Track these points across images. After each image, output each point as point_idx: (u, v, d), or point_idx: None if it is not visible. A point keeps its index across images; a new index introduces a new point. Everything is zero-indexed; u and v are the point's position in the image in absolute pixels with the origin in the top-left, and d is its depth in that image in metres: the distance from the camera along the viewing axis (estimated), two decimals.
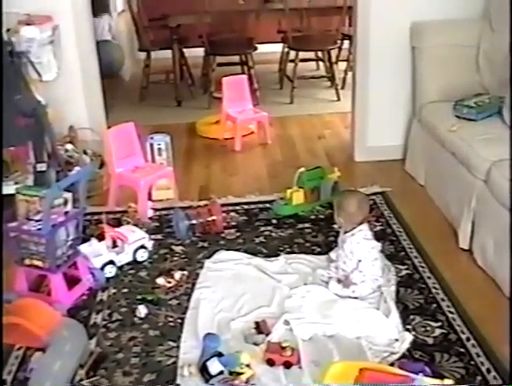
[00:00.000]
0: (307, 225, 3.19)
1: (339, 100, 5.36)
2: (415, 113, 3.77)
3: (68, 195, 2.54)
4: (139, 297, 2.60)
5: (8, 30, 3.28)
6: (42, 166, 3.29)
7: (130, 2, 5.62)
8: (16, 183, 3.29)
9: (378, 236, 2.76)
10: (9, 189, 3.13)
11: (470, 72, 3.64)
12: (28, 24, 3.38)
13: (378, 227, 3.11)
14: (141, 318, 2.47)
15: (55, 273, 2.49)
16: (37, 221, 2.47)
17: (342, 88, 5.57)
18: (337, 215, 2.63)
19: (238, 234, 3.12)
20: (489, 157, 2.78)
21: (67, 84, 3.72)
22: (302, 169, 3.33)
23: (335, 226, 3.07)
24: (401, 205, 3.37)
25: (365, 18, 3.77)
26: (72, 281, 2.60)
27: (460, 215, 2.96)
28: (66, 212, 2.54)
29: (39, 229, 2.43)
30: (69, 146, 3.65)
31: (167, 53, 5.47)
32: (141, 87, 5.69)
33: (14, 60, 3.22)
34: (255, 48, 5.42)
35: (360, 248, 2.55)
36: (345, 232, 2.62)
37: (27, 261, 2.51)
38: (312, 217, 3.27)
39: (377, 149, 3.98)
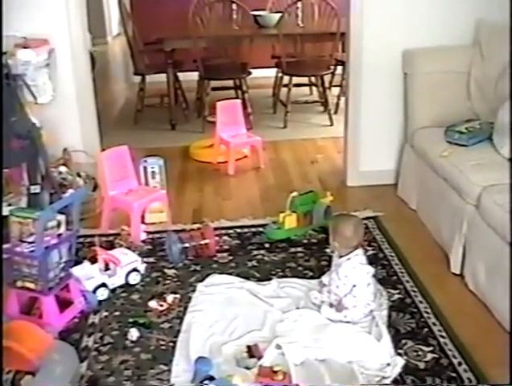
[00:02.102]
0: (299, 249, 3.19)
1: (332, 124, 5.40)
2: (407, 139, 3.80)
3: (62, 218, 2.55)
4: (131, 320, 2.59)
5: (5, 53, 3.30)
6: (36, 188, 3.30)
7: (125, 26, 5.66)
8: (9, 205, 3.29)
9: (371, 261, 2.77)
10: (2, 210, 3.13)
11: (461, 98, 3.68)
12: (25, 47, 3.41)
13: (371, 252, 3.12)
14: (133, 342, 2.46)
15: (47, 296, 2.48)
16: (30, 243, 2.47)
17: (335, 112, 5.61)
18: (333, 239, 2.62)
19: (231, 258, 3.12)
20: (480, 182, 2.80)
21: (62, 106, 3.74)
22: (295, 193, 3.34)
23: (327, 250, 3.09)
24: (393, 230, 3.39)
25: (357, 44, 3.82)
26: (63, 304, 2.58)
27: (451, 239, 2.98)
28: (59, 234, 2.55)
29: (32, 251, 2.43)
30: (63, 169, 3.66)
31: (162, 77, 5.50)
32: (135, 110, 5.72)
33: (10, 83, 3.23)
34: (249, 73, 5.47)
35: (355, 272, 2.55)
36: (341, 257, 2.62)
37: (19, 283, 2.50)
38: (305, 241, 3.28)
39: (369, 173, 4.00)
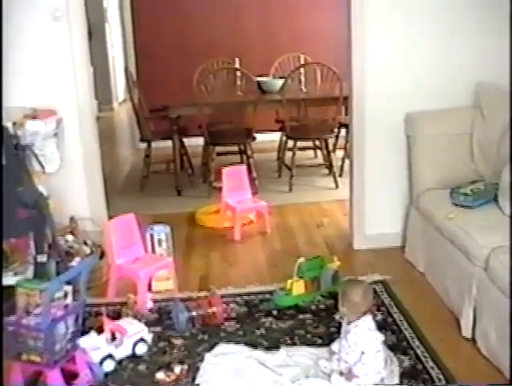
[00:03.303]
0: (308, 316, 3.15)
1: (337, 187, 5.43)
2: (413, 201, 3.81)
3: (68, 288, 2.54)
4: None
5: (14, 123, 3.36)
6: (42, 258, 3.30)
7: (131, 93, 5.77)
8: (15, 274, 3.29)
9: (380, 326, 2.74)
10: (8, 280, 3.13)
11: (465, 160, 3.71)
12: (34, 118, 3.47)
13: (379, 317, 3.08)
14: None
15: (53, 369, 2.44)
16: (36, 315, 2.45)
17: (340, 175, 5.64)
18: (341, 304, 2.58)
19: (238, 326, 3.08)
20: (488, 244, 2.79)
21: (69, 175, 3.79)
22: (301, 259, 3.33)
23: (336, 316, 3.04)
24: (401, 293, 3.36)
25: (360, 108, 3.87)
26: (69, 376, 2.54)
27: (461, 303, 2.95)
28: (66, 305, 2.53)
29: (38, 323, 2.40)
30: (70, 237, 3.67)
31: (168, 142, 5.57)
32: (141, 176, 5.77)
33: (18, 153, 3.28)
34: (254, 138, 5.54)
35: (364, 339, 2.51)
36: (349, 323, 2.58)
37: (24, 357, 2.46)
38: (313, 308, 3.24)
39: (376, 236, 4.00)
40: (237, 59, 6.11)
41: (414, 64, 3.81)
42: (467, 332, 2.89)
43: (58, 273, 3.26)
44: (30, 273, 3.32)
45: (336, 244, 4.17)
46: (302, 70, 5.84)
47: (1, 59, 3.39)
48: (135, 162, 6.83)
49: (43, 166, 3.48)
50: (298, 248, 4.14)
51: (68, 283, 2.57)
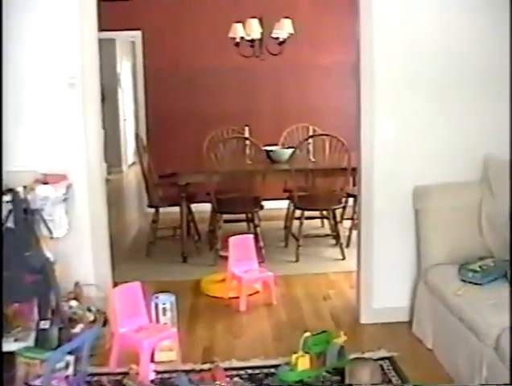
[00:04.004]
0: None
1: (344, 258, 5.39)
2: (421, 275, 3.77)
3: (71, 358, 2.50)
4: None
5: (25, 187, 3.38)
6: (45, 324, 3.26)
7: (141, 158, 5.81)
8: (16, 340, 3.23)
9: None
10: (8, 346, 3.07)
11: (473, 235, 3.69)
12: (44, 183, 3.49)
13: None
14: None
15: None
16: None
17: (347, 246, 5.62)
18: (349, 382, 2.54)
19: None
20: (498, 323, 2.75)
21: (76, 240, 3.77)
22: (307, 333, 3.27)
23: None
24: (409, 371, 3.27)
25: (368, 180, 3.89)
26: None
27: (471, 382, 2.88)
28: (67, 376, 2.49)
29: None
30: (74, 303, 3.62)
31: (175, 207, 5.58)
32: (148, 242, 5.76)
33: (27, 217, 3.29)
34: (261, 207, 5.55)
35: None
36: None
37: None
38: (319, 384, 3.16)
39: (383, 310, 3.94)
40: (246, 128, 6.19)
41: (423, 138, 3.85)
42: None
43: (60, 340, 3.21)
44: (31, 340, 3.26)
45: (342, 318, 4.11)
46: (310, 140, 5.91)
47: (1, 109, 3.43)
48: (142, 227, 6.85)
49: (51, 231, 3.48)
50: (304, 320, 4.08)
51: (70, 352, 2.52)
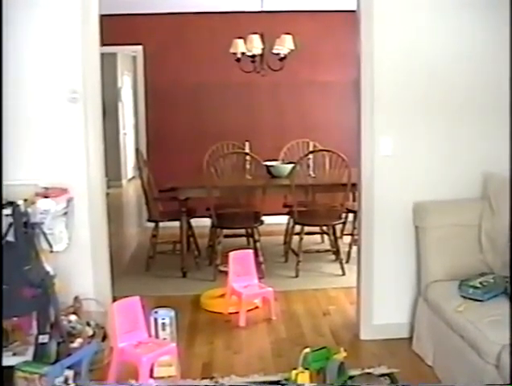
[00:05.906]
0: None
1: (344, 274, 5.38)
2: (421, 291, 3.76)
3: (69, 373, 2.49)
4: None
5: (25, 200, 3.37)
6: (44, 338, 3.24)
7: (141, 172, 5.82)
8: (15, 354, 3.22)
9: None
10: (7, 360, 3.05)
11: (473, 252, 3.69)
12: (45, 196, 3.48)
13: None
14: None
15: None
16: None
17: (347, 261, 5.61)
18: None
19: None
20: (499, 340, 2.74)
21: (76, 254, 3.75)
22: (307, 349, 3.26)
23: None
24: None
25: (368, 196, 3.89)
26: None
27: None
28: None
29: None
30: (73, 317, 3.61)
31: (175, 222, 5.57)
32: (147, 256, 5.75)
33: (27, 231, 3.28)
34: (261, 222, 5.54)
35: None
36: None
37: None
38: None
39: (383, 326, 3.93)
40: (247, 143, 6.21)
41: (423, 155, 3.86)
42: None
43: (59, 354, 3.19)
44: (30, 354, 3.24)
45: (342, 334, 4.09)
46: (311, 156, 5.92)
47: (1, 122, 3.44)
48: (142, 241, 6.84)
49: (51, 245, 3.47)
50: (303, 336, 4.06)
51: (69, 367, 2.51)
